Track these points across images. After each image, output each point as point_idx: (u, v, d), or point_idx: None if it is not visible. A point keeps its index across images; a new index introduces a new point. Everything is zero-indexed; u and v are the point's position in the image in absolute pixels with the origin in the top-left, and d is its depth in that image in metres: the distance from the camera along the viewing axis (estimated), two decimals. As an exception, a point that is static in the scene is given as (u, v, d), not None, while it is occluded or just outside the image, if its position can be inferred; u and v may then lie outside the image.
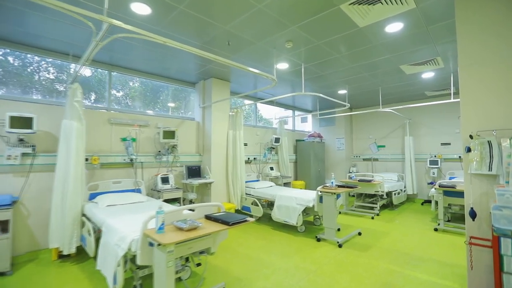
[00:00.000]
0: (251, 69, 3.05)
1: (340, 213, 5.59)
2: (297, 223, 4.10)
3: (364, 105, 7.60)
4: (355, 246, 3.64)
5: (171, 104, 5.21)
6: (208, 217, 2.26)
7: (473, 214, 1.96)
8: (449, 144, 6.53)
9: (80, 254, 3.26)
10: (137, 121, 4.25)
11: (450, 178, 6.12)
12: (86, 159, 3.58)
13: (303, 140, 7.38)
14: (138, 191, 3.99)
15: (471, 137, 2.04)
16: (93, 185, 3.65)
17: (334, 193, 3.73)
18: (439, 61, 4.15)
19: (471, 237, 1.93)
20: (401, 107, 5.40)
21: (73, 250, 2.99)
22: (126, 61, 4.08)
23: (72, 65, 3.88)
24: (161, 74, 4.72)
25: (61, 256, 3.14)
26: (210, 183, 4.75)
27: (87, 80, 4.12)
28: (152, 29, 3.08)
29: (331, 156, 8.14)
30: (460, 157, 6.31)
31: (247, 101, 6.56)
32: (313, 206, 4.02)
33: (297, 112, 8.10)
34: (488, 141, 1.94)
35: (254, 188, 5.17)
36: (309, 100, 7.10)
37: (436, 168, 6.43)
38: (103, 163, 3.81)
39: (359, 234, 4.15)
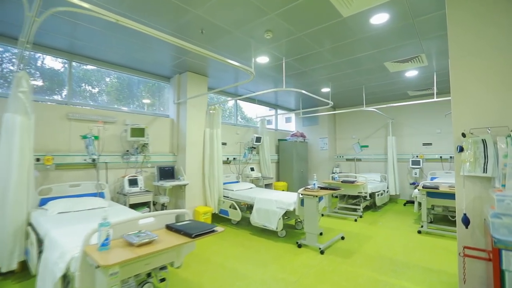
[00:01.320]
0: (227, 59, 2.74)
1: (322, 215, 5.39)
2: (277, 228, 3.83)
3: (348, 104, 7.48)
4: (338, 252, 3.42)
5: (146, 101, 4.80)
6: (169, 227, 1.94)
7: (466, 221, 1.76)
8: (430, 144, 6.52)
9: (27, 270, 2.82)
10: (102, 117, 3.83)
11: (432, 179, 6.09)
12: (38, 159, 3.14)
13: (286, 140, 7.15)
14: (101, 195, 3.57)
15: (463, 135, 1.84)
16: (45, 189, 3.20)
17: (316, 196, 3.49)
18: (423, 58, 4.03)
19: (465, 248, 1.72)
20: (385, 106, 5.28)
21: (13, 267, 2.55)
22: (89, 49, 3.65)
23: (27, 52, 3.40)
24: (132, 66, 4.31)
25: (1, 274, 2.69)
26: (184, 185, 4.39)
27: (57, 74, 3.66)
28: (111, 11, 2.70)
29: (314, 156, 7.97)
30: (441, 157, 6.30)
31: (230, 100, 6.24)
32: (294, 209, 3.77)
33: (279, 111, 7.87)
34: (482, 139, 1.75)
35: (233, 190, 4.86)
36: (292, 99, 6.88)
37: (418, 168, 6.39)
38: (59, 164, 3.37)
39: (342, 238, 3.94)
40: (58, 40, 3.37)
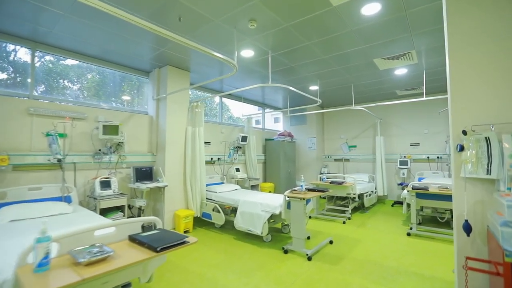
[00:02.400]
0: (206, 49, 2.48)
1: (310, 217, 5.20)
2: (262, 233, 3.60)
3: (336, 104, 7.35)
4: (326, 258, 3.22)
5: (126, 97, 4.46)
6: (132, 239, 1.66)
7: (468, 229, 1.57)
8: (418, 144, 6.47)
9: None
10: (70, 112, 3.47)
11: (419, 179, 6.02)
12: (-10, 159, 2.76)
13: (273, 139, 6.93)
14: (67, 199, 3.22)
15: (464, 132, 1.66)
16: (-1, 192, 2.84)
17: (303, 199, 3.28)
18: (413, 55, 3.90)
19: (467, 259, 1.54)
20: (374, 104, 5.15)
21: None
22: (55, 37, 3.30)
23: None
24: (107, 58, 3.97)
25: None
26: (163, 187, 4.09)
27: (23, 65, 3.27)
28: (74, -9, 2.39)
29: (302, 156, 7.80)
30: (428, 157, 6.26)
31: (211, 96, 5.96)
32: (280, 213, 3.54)
33: (267, 110, 7.65)
34: (485, 137, 1.57)
35: (216, 192, 4.59)
36: (279, 97, 6.67)
37: (406, 168, 6.32)
38: (17, 165, 3.00)
39: (331, 242, 3.75)
40: (20, 26, 3.00)
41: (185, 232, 4.23)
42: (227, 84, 5.52)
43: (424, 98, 4.52)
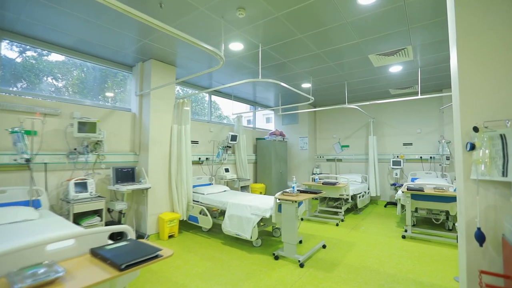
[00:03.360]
0: (190, 38, 2.24)
1: (302, 219, 5.01)
2: (251, 237, 3.37)
3: (329, 103, 7.20)
4: (320, 264, 3.02)
5: (106, 93, 4.15)
6: (94, 253, 1.41)
7: (481, 238, 1.39)
8: (411, 144, 6.38)
9: None
10: (40, 107, 3.16)
11: (412, 180, 5.93)
12: None
13: (264, 139, 6.72)
14: (36, 203, 2.92)
15: (475, 129, 1.48)
16: (-46, 196, 2.52)
17: (295, 201, 3.07)
18: (409, 51, 3.75)
19: (481, 273, 1.36)
20: (368, 103, 5.00)
21: None
22: (25, 25, 2.98)
23: None
24: (84, 50, 3.67)
25: None
26: (146, 189, 3.81)
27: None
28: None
29: (294, 156, 7.61)
30: (421, 157, 6.17)
31: (198, 93, 5.70)
32: (271, 216, 3.33)
33: (258, 109, 7.43)
34: (501, 134, 1.39)
35: (203, 194, 4.34)
36: (271, 95, 6.46)
37: (399, 168, 6.21)
38: (-23, 165, 2.69)
39: (324, 247, 3.56)
40: (-22, 10, 2.69)
41: (169, 237, 3.98)
42: (216, 81, 5.28)
43: (420, 97, 4.40)
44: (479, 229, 1.41)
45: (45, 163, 3.15)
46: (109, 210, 3.69)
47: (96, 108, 3.77)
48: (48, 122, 3.22)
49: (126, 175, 3.80)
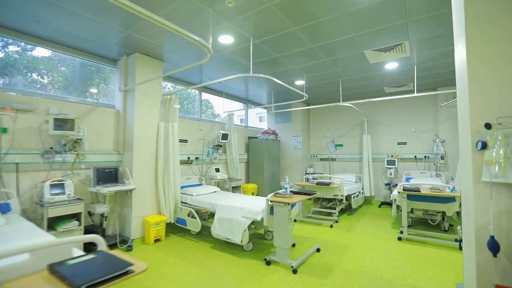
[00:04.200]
0: (175, 26, 2.03)
1: (295, 221, 4.85)
2: (242, 241, 3.19)
3: (322, 101, 7.05)
4: (314, 270, 2.86)
5: (88, 88, 3.90)
6: (52, 270, 1.20)
7: (495, 247, 1.25)
8: (405, 143, 6.29)
9: None
10: (12, 103, 2.90)
11: (407, 179, 5.84)
12: None
13: (256, 138, 6.54)
14: (5, 207, 2.66)
15: (487, 126, 1.33)
16: None
17: (288, 204, 2.90)
18: (406, 47, 3.62)
19: (497, 287, 1.21)
20: (363, 101, 4.87)
21: None
22: (-8, 13, 2.72)
23: None
24: (63, 42, 3.41)
25: None
26: (130, 190, 3.59)
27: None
28: None
29: (287, 155, 7.46)
30: (415, 157, 6.09)
31: (184, 89, 5.49)
32: (262, 219, 3.15)
33: (251, 107, 7.24)
34: (517, 132, 1.25)
35: (192, 195, 4.14)
36: (264, 92, 6.28)
37: (393, 168, 6.12)
38: None
39: (318, 250, 3.41)
40: None
41: (156, 241, 3.76)
42: (207, 78, 5.06)
43: (416, 94, 4.28)
44: (492, 237, 1.26)
45: (17, 163, 2.90)
46: (89, 214, 3.45)
47: (76, 104, 3.52)
48: (20, 119, 2.96)
49: (108, 175, 3.56)
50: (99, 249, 1.43)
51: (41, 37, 3.28)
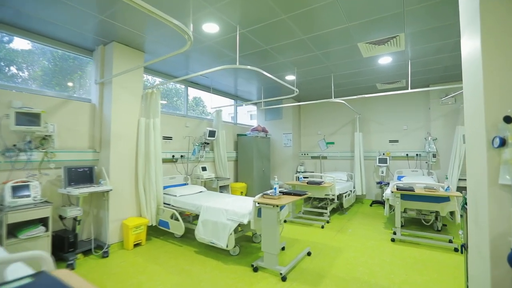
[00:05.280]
0: (150, 8, 1.77)
1: (285, 221, 4.66)
2: (227, 246, 2.96)
3: (314, 98, 6.86)
4: (304, 276, 2.66)
5: (62, 82, 3.57)
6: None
7: (516, 262, 1.06)
8: (397, 141, 6.19)
9: None
10: (-33, 94, 2.57)
11: (399, 178, 5.74)
12: None
13: (245, 135, 6.30)
14: (-44, 212, 2.34)
15: (507, 119, 1.14)
16: None
17: (277, 205, 2.69)
18: (401, 40, 3.45)
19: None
20: (355, 97, 4.70)
21: None
22: None
23: None
24: (32, 28, 3.08)
25: None
26: (107, 191, 3.29)
27: None
28: None
29: (277, 153, 7.26)
30: (407, 155, 5.99)
31: (167, 82, 5.20)
32: (249, 222, 2.93)
33: (238, 102, 6.99)
34: (542, 126, 1.06)
35: (175, 196, 3.87)
36: (253, 88, 6.03)
37: (385, 166, 6.00)
38: None
39: (309, 254, 3.22)
40: None
41: (135, 245, 3.49)
42: (193, 71, 4.78)
43: (410, 90, 4.14)
44: (514, 250, 1.07)
45: (-28, 163, 2.57)
46: (61, 217, 3.14)
47: (45, 97, 3.19)
48: (-24, 112, 2.63)
49: (82, 175, 3.26)
50: (43, 269, 1.17)
51: (2, 21, 2.94)
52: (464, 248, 2.09)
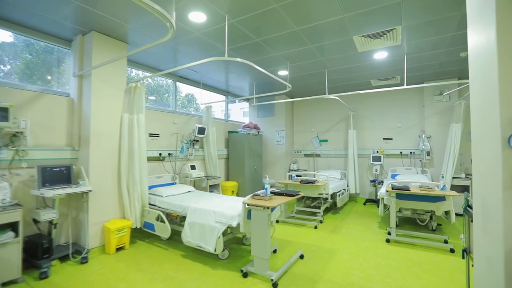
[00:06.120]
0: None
1: (277, 221, 4.51)
2: (215, 250, 2.79)
3: (307, 95, 6.70)
4: (297, 282, 2.51)
5: (36, 74, 3.30)
6: None
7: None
8: (391, 139, 6.09)
9: None
10: None
11: (393, 176, 5.66)
12: None
13: (237, 132, 6.11)
14: None
15: (529, 114, 0.99)
16: None
17: (268, 207, 2.52)
18: (398, 33, 3.31)
19: None
20: (350, 93, 4.55)
21: None
22: None
23: None
24: (10, 18, 2.81)
25: None
26: (86, 192, 3.07)
27: None
28: None
29: (269, 151, 7.09)
30: (401, 153, 5.91)
31: (149, 76, 4.97)
32: (239, 224, 2.76)
33: (232, 101, 6.78)
34: None
35: (161, 196, 3.67)
36: (245, 84, 5.83)
37: (379, 164, 5.91)
38: None
39: (301, 257, 3.07)
40: None
41: (118, 249, 3.28)
42: (181, 65, 4.54)
43: (406, 87, 4.02)
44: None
45: None
46: (35, 221, 2.91)
47: (15, 90, 2.93)
48: None
49: (58, 175, 3.02)
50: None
51: (-34, 7, 2.67)
52: (466, 253, 1.97)
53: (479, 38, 1.29)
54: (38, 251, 2.70)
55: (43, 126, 3.11)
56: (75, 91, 3.40)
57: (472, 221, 1.76)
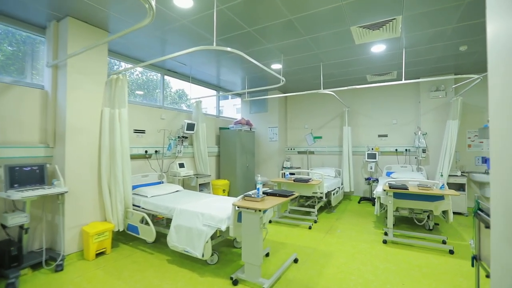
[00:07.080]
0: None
1: (270, 222, 4.33)
2: (203, 255, 2.58)
3: (301, 90, 6.51)
4: (290, 290, 2.33)
5: (8, 65, 2.99)
6: None
7: None
8: (386, 136, 5.97)
9: None
10: None
11: (388, 174, 5.54)
12: None
13: (228, 128, 5.87)
14: None
15: None
16: None
17: (260, 210, 2.32)
18: (398, 24, 3.13)
19: None
20: (345, 88, 4.37)
21: None
22: None
23: None
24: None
25: None
26: (61, 193, 2.80)
27: None
28: None
29: (262, 148, 6.89)
30: (396, 150, 5.79)
31: (133, 67, 4.70)
32: (228, 228, 2.55)
33: (226, 96, 6.53)
34: None
35: (146, 197, 3.43)
36: (237, 78, 5.59)
37: (374, 162, 5.78)
38: None
39: (295, 261, 2.89)
40: None
41: (98, 254, 3.04)
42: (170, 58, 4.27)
43: (403, 82, 3.86)
44: None
45: None
46: (3, 226, 2.63)
47: (-20, 80, 2.63)
48: None
49: (29, 175, 2.75)
50: None
51: None
52: (475, 260, 1.82)
53: (501, 25, 1.09)
54: (5, 260, 2.44)
55: (12, 121, 2.82)
56: (49, 83, 3.10)
57: (487, 227, 1.60)
